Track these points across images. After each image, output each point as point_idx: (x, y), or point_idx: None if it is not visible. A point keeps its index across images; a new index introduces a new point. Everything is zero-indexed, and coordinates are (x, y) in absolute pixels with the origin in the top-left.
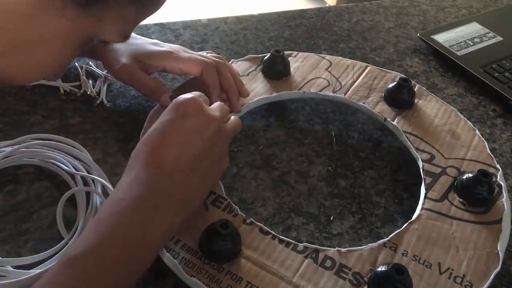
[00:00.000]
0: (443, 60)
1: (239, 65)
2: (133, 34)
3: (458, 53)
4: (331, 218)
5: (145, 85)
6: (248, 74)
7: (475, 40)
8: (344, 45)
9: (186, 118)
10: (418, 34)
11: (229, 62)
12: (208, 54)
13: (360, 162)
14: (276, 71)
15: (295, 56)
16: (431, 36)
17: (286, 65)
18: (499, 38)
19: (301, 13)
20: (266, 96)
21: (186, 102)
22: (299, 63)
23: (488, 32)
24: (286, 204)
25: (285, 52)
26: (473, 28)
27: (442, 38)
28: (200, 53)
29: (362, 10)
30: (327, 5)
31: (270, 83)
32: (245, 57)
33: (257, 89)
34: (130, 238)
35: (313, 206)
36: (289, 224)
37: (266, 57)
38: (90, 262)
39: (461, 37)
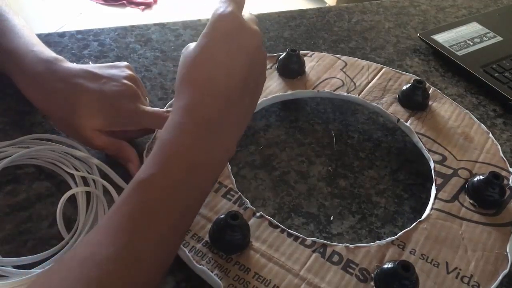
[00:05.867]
0: (443, 60)
1: None
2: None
3: (458, 53)
4: (331, 218)
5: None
6: None
7: (475, 40)
8: (344, 45)
9: (229, 36)
10: (418, 34)
11: None
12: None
13: (360, 162)
14: (291, 69)
15: (311, 55)
16: (431, 36)
17: (301, 64)
18: (499, 38)
19: (301, 13)
20: (280, 94)
21: (225, 19)
22: (314, 63)
23: (488, 32)
24: (286, 204)
25: (300, 51)
26: (473, 28)
27: (442, 38)
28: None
29: (362, 10)
30: (327, 5)
31: (284, 82)
32: None
33: (272, 87)
34: (193, 159)
35: (313, 206)
36: (289, 224)
37: (281, 56)
38: (159, 184)
39: (461, 37)
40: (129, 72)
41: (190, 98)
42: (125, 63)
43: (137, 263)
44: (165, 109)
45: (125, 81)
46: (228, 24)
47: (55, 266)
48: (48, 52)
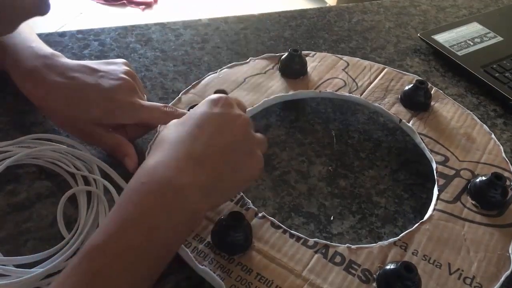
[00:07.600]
0: (443, 60)
1: (256, 63)
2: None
3: (459, 53)
4: (331, 218)
5: (105, 144)
6: (265, 72)
7: (476, 40)
8: (345, 45)
9: (218, 111)
10: (419, 34)
11: (247, 60)
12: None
13: (360, 162)
14: (293, 70)
15: (313, 56)
16: (432, 36)
17: (303, 64)
18: (499, 38)
19: (301, 13)
20: (282, 94)
21: (219, 97)
22: (316, 63)
23: (489, 32)
24: (286, 204)
25: (302, 51)
26: (474, 28)
27: (442, 38)
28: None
29: (362, 10)
30: (327, 5)
31: (287, 82)
32: (263, 55)
33: (274, 87)
34: (152, 224)
35: (313, 206)
36: (289, 224)
37: (283, 56)
38: (111, 252)
39: (461, 37)
40: (126, 68)
41: (155, 158)
42: (122, 60)
43: None
44: (163, 104)
45: (123, 75)
46: (219, 102)
47: None
48: (46, 48)
